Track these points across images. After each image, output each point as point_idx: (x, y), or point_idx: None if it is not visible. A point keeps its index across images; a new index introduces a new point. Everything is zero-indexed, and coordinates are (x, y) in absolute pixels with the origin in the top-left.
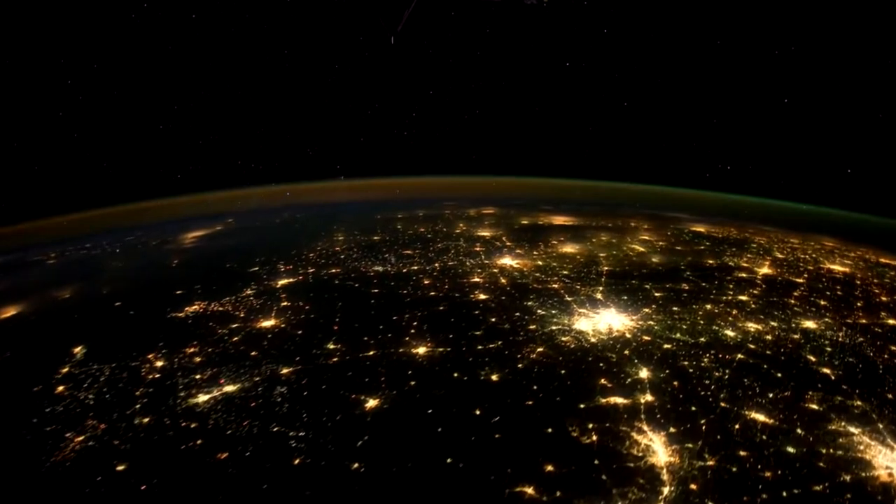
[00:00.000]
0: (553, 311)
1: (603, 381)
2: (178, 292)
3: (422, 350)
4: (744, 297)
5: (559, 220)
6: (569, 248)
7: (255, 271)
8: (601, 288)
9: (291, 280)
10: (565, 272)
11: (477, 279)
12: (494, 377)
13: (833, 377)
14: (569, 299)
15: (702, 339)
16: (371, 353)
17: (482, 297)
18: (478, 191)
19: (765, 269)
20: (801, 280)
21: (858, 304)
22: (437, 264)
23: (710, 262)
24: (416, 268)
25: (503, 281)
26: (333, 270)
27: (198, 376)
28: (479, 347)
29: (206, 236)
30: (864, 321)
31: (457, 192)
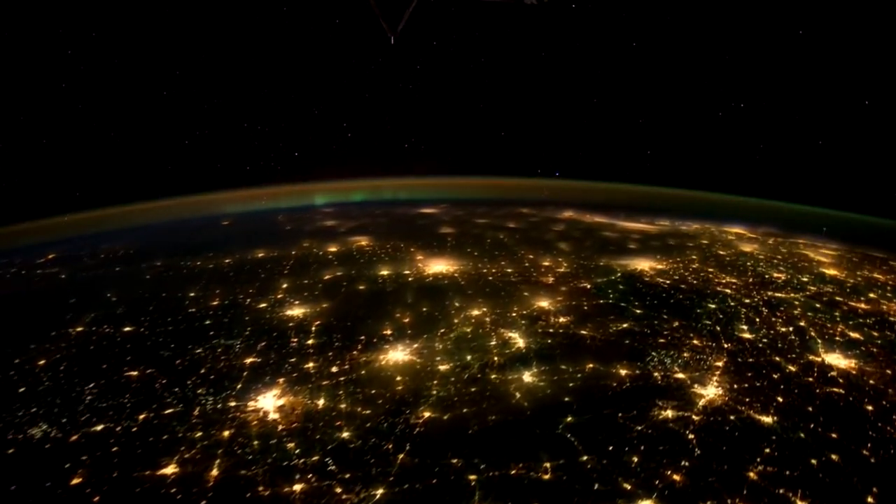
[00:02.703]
0: None
1: None
2: None
3: None
4: None
5: (438, 266)
6: (397, 354)
7: None
8: (380, 493)
9: None
10: (346, 435)
11: (171, 468)
12: None
13: None
14: None
15: None
16: None
17: None
18: (426, 192)
19: (711, 392)
20: (769, 419)
21: None
22: (144, 415)
23: (625, 372)
24: (101, 427)
25: (213, 473)
26: None
27: None
28: None
29: None
30: None
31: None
